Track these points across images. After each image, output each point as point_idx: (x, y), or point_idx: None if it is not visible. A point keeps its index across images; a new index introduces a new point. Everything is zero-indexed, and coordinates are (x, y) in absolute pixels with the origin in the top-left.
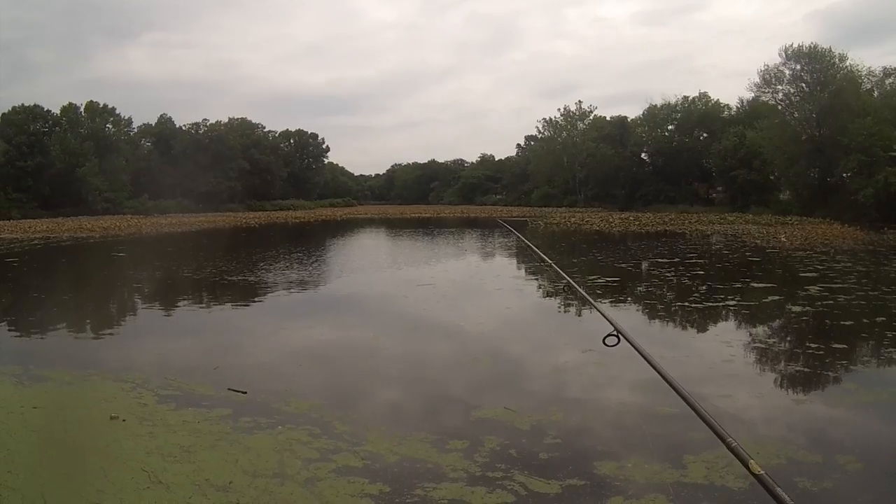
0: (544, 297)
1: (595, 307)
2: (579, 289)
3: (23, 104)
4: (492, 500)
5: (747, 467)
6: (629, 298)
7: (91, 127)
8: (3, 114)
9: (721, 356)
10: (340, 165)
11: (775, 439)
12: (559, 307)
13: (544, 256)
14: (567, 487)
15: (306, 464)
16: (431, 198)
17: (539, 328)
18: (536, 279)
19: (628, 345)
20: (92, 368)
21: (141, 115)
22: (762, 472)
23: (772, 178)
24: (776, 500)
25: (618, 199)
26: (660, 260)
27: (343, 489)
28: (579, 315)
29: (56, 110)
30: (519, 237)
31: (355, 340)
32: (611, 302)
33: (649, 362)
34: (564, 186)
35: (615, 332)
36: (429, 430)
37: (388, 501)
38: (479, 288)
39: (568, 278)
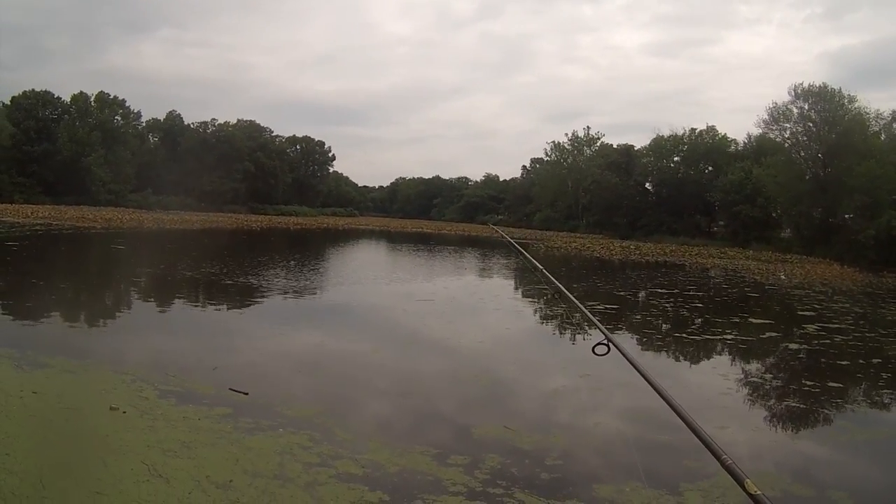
0: (543, 320)
1: (586, 314)
2: (570, 295)
3: (33, 89)
4: None
5: (743, 487)
6: (627, 326)
7: (100, 118)
8: (13, 97)
9: (718, 389)
10: (345, 175)
11: (769, 472)
12: (557, 329)
13: (536, 263)
14: None
15: (307, 468)
16: (433, 213)
17: (537, 349)
18: (535, 301)
19: (626, 368)
20: (90, 358)
21: (150, 109)
22: (759, 492)
23: (774, 215)
24: None
25: (619, 227)
26: (659, 290)
27: (343, 495)
28: (578, 338)
29: (66, 98)
30: (520, 251)
31: (355, 351)
32: (609, 328)
33: (639, 370)
34: (567, 211)
35: (605, 342)
36: (429, 444)
37: None
38: (478, 307)
39: (562, 287)
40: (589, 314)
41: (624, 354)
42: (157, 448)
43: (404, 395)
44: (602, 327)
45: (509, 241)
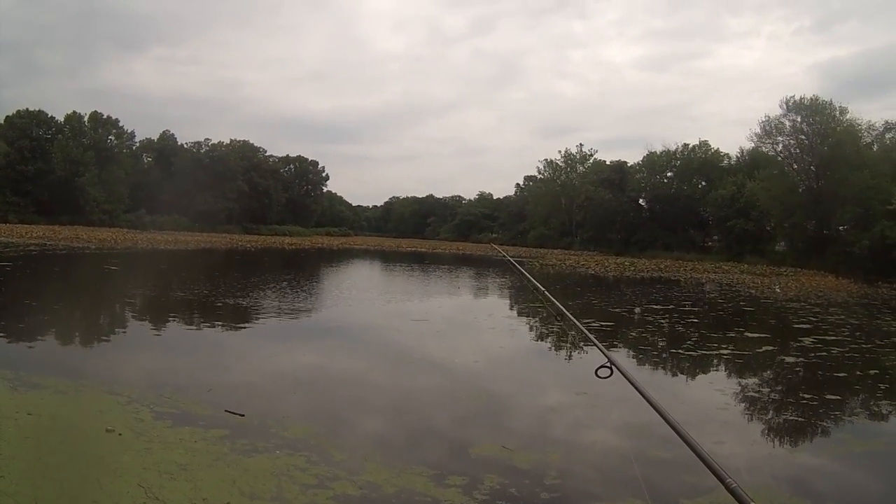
0: (538, 338)
1: (589, 337)
2: (570, 316)
3: (27, 108)
4: None
5: None
6: (623, 343)
7: (93, 137)
8: (7, 116)
9: (715, 404)
10: (339, 195)
11: (767, 486)
12: (552, 347)
13: (538, 284)
14: None
15: (304, 489)
16: (428, 232)
17: (533, 368)
18: (529, 319)
19: (622, 385)
20: (85, 379)
21: (143, 128)
22: None
23: (768, 228)
24: None
25: (614, 244)
26: (654, 306)
27: None
28: (573, 356)
29: (60, 116)
30: (521, 271)
31: (349, 371)
32: (605, 346)
33: (642, 394)
34: (561, 228)
35: (608, 364)
36: (427, 464)
37: None
38: (473, 325)
39: (563, 309)
40: (592, 338)
41: (627, 378)
42: (154, 470)
43: (400, 415)
44: (604, 350)
45: (510, 261)
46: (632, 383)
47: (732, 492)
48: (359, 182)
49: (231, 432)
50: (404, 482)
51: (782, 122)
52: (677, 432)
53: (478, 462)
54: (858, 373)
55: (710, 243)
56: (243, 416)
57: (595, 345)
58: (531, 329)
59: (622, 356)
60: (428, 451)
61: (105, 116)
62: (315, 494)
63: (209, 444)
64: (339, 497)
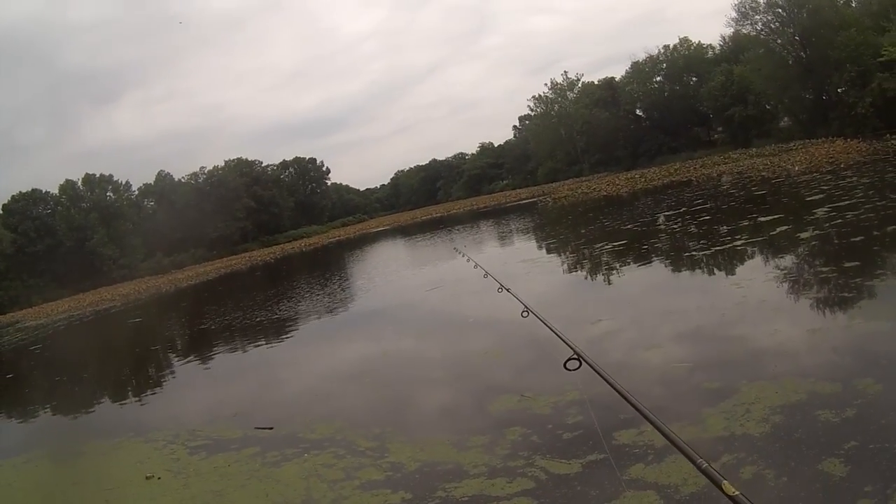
0: (554, 281)
1: (556, 334)
2: (538, 316)
3: (21, 192)
4: (512, 489)
5: (721, 489)
6: (635, 258)
7: (92, 199)
8: (4, 204)
9: (732, 299)
10: (345, 184)
11: (793, 374)
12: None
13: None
14: (587, 464)
15: (332, 485)
16: (440, 196)
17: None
18: (555, 256)
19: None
20: (121, 436)
21: (139, 175)
22: (737, 492)
23: (768, 108)
24: None
25: (622, 161)
26: (667, 213)
27: (367, 503)
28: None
29: (55, 189)
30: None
31: (364, 357)
32: (617, 265)
33: (612, 386)
34: (567, 158)
35: (576, 356)
36: (449, 431)
37: None
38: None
39: (525, 304)
40: (556, 331)
41: (595, 369)
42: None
43: (419, 390)
44: (572, 343)
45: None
46: (601, 375)
47: (704, 472)
48: (362, 166)
49: (262, 448)
50: (426, 455)
51: (757, 1)
52: (648, 419)
53: (498, 418)
54: (876, 233)
55: (715, 136)
56: (272, 429)
57: (562, 339)
58: (551, 271)
59: (635, 275)
60: (446, 419)
61: (97, 175)
62: (342, 488)
63: (242, 465)
64: (364, 485)
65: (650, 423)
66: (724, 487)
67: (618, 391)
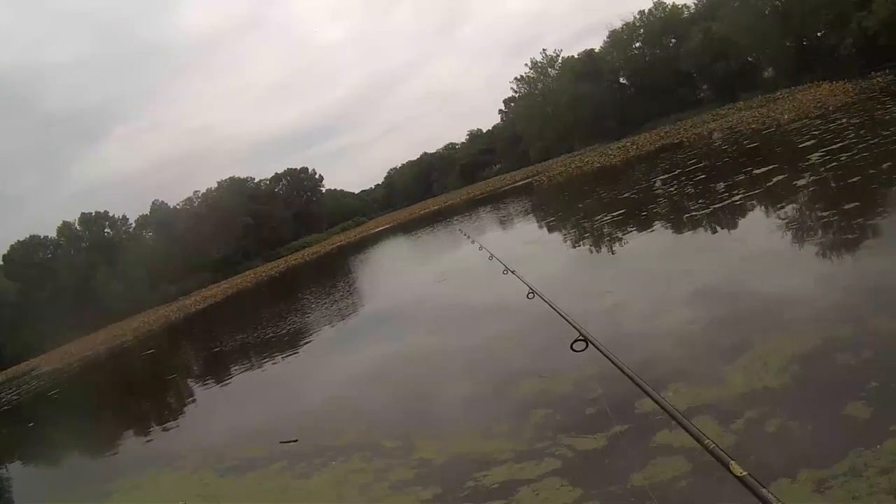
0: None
1: (561, 315)
2: (544, 297)
3: (18, 240)
4: (541, 470)
5: (728, 469)
6: (637, 227)
7: (90, 237)
8: (4, 255)
9: (737, 254)
10: (340, 189)
11: (807, 322)
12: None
13: (507, 266)
14: (612, 436)
15: (363, 489)
16: (435, 189)
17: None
18: (556, 233)
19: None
20: (150, 468)
21: (135, 207)
22: (745, 473)
23: (751, 60)
24: (761, 501)
25: (612, 131)
26: (662, 177)
27: (400, 502)
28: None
29: (52, 233)
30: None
31: (379, 359)
32: (620, 236)
33: (619, 367)
34: (557, 136)
35: (582, 338)
36: (472, 421)
37: (442, 502)
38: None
39: (533, 288)
40: (561, 312)
41: (602, 351)
42: None
43: (440, 385)
44: (578, 326)
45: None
46: (608, 357)
47: (711, 452)
48: (355, 170)
49: (289, 462)
50: (453, 448)
51: None
52: (655, 400)
53: (520, 402)
54: (871, 171)
55: (700, 95)
56: (297, 441)
57: (567, 320)
58: (552, 251)
59: (637, 243)
60: (469, 410)
61: (93, 213)
62: (373, 490)
63: (272, 481)
64: (394, 485)
65: (657, 403)
66: (731, 468)
67: (623, 371)
